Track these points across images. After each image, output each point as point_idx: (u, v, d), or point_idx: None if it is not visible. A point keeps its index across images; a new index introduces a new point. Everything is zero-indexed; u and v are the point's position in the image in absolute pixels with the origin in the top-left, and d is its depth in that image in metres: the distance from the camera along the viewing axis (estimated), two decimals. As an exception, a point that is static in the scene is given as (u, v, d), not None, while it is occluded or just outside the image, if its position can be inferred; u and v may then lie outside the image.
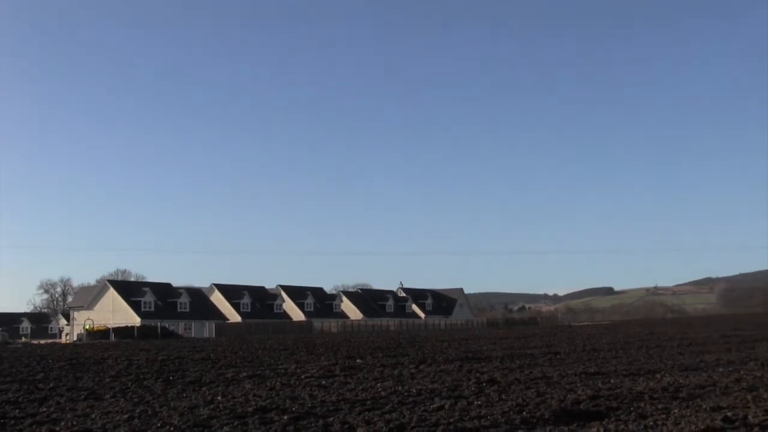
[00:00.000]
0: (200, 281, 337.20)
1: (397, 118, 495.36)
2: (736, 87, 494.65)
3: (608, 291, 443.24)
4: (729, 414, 15.76)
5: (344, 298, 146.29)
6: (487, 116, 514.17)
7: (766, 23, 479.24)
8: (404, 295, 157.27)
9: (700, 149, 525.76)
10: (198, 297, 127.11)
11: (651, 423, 14.88)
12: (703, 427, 14.14)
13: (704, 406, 17.59)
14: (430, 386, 22.29)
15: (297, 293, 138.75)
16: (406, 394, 20.28)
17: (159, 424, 15.20)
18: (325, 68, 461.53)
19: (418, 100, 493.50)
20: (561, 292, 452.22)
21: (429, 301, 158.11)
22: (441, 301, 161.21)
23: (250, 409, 17.36)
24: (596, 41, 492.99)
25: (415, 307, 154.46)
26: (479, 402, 18.38)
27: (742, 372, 27.33)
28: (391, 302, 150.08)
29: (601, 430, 14.02)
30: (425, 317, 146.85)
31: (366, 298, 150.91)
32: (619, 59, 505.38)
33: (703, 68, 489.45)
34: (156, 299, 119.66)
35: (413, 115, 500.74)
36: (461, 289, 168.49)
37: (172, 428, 14.79)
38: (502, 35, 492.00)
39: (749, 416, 15.60)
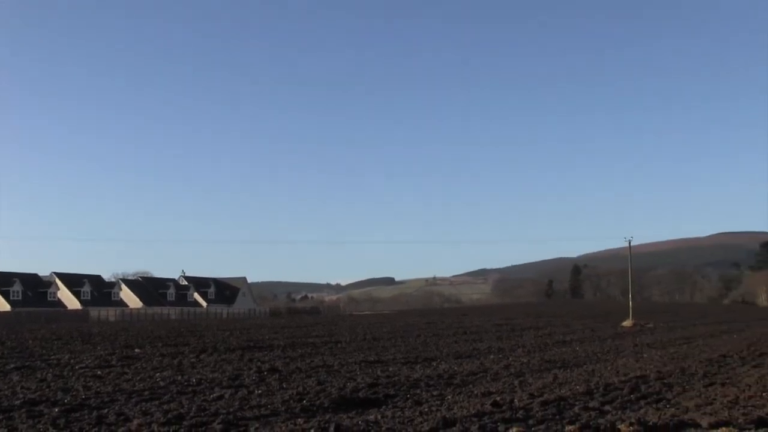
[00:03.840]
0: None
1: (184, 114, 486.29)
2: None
3: (389, 281, 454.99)
4: (498, 399, 16.61)
5: (123, 286, 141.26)
6: (269, 110, 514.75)
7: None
8: (186, 283, 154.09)
9: (478, 146, 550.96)
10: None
11: (426, 409, 15.42)
12: (473, 411, 14.81)
13: (476, 392, 18.47)
14: (210, 375, 22.04)
15: (73, 281, 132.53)
16: (185, 383, 19.94)
17: None
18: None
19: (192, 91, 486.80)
20: (344, 282, 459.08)
21: (211, 289, 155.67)
22: (224, 290, 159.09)
23: (17, 402, 16.41)
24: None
25: (197, 296, 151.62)
26: (260, 391, 18.37)
27: (510, 359, 28.94)
28: (172, 290, 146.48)
29: (379, 416, 14.35)
30: (207, 306, 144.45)
31: (146, 287, 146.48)
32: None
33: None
34: None
35: (195, 110, 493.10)
36: (244, 278, 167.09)
37: (-76, 426, 13.74)
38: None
39: (515, 400, 16.53)
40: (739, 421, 14.06)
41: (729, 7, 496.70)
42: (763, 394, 18.33)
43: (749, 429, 13.55)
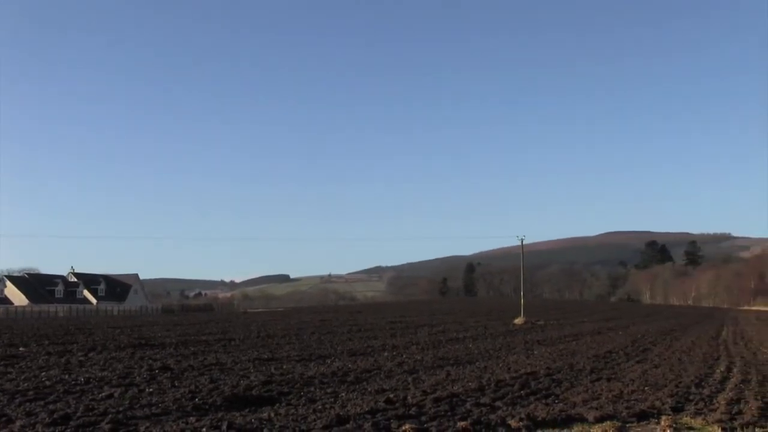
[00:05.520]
0: None
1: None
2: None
3: (284, 278, 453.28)
4: (391, 396, 16.74)
5: (8, 283, 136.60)
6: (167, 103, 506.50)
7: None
8: (75, 280, 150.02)
9: (372, 144, 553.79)
10: None
11: (320, 407, 15.41)
12: (367, 408, 14.88)
13: (369, 389, 18.55)
14: (99, 374, 21.49)
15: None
16: (73, 382, 19.39)
17: None
18: None
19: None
20: (238, 279, 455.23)
21: (102, 286, 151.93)
22: (115, 287, 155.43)
23: None
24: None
25: (86, 293, 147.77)
26: (151, 389, 18.02)
27: (404, 356, 29.17)
28: (60, 287, 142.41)
29: (272, 414, 14.27)
30: (97, 303, 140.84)
31: (33, 283, 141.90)
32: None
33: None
34: None
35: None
36: (136, 275, 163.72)
37: None
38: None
39: (408, 397, 16.69)
40: (623, 414, 14.57)
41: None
42: (646, 388, 19.04)
43: (632, 422, 14.05)
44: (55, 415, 13.82)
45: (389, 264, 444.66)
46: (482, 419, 13.81)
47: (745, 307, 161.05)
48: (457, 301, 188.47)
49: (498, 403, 16.08)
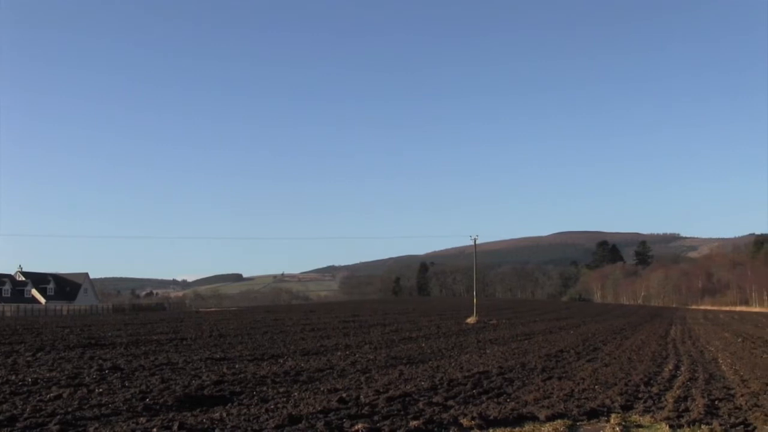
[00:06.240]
0: None
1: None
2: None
3: (237, 277, 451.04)
4: (344, 395, 16.73)
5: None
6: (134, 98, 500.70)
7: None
8: (23, 279, 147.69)
9: (329, 144, 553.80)
10: None
11: (272, 406, 15.34)
12: (320, 408, 14.85)
13: (322, 389, 18.52)
14: (47, 374, 21.17)
15: None
16: (20, 383, 19.06)
17: None
18: None
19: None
20: (190, 278, 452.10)
21: (51, 285, 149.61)
22: (64, 286, 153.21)
23: None
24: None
25: (35, 292, 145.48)
26: (101, 390, 17.79)
27: (357, 355, 29.17)
28: (8, 286, 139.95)
29: (224, 414, 14.18)
30: (46, 303, 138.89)
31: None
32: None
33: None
34: None
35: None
36: (86, 274, 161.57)
37: None
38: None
39: (361, 396, 16.69)
40: (574, 413, 14.72)
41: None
42: (596, 387, 19.27)
43: (582, 420, 14.20)
44: (0, 417, 13.59)
45: (342, 263, 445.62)
46: (435, 418, 13.86)
47: (693, 306, 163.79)
48: (410, 300, 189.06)
49: (450, 402, 16.15)
